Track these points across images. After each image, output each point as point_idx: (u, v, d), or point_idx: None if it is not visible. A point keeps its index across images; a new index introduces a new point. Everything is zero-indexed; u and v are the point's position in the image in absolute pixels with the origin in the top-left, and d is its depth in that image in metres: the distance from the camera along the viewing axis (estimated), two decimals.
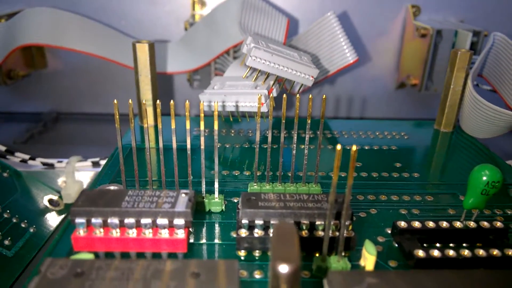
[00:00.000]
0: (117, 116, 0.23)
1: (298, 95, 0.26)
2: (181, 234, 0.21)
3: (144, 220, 0.21)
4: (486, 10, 0.48)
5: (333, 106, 0.52)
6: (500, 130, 0.36)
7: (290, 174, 0.28)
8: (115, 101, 0.23)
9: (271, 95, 0.31)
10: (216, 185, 0.26)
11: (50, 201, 0.34)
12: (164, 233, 0.21)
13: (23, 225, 0.30)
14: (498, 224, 0.24)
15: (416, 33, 0.45)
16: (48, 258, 0.18)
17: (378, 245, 0.24)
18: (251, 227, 0.22)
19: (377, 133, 0.39)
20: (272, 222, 0.22)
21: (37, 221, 0.31)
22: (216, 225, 0.25)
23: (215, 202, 0.26)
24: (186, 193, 0.22)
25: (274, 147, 0.35)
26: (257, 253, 0.23)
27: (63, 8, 0.44)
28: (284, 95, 0.26)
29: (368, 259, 0.21)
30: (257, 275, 0.21)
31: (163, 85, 0.50)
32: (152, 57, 0.36)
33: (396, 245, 0.24)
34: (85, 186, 0.36)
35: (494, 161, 0.35)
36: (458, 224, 0.23)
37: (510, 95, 0.39)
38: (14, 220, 0.30)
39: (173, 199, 0.22)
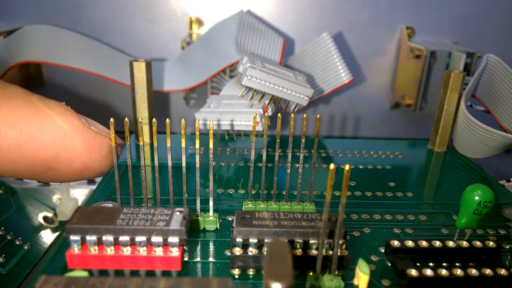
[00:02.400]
0: (113, 134, 0.24)
1: (293, 114, 0.27)
2: (175, 252, 0.21)
3: (139, 238, 0.21)
4: (480, 32, 0.49)
5: (327, 126, 0.52)
6: (493, 151, 0.36)
7: (284, 193, 0.28)
8: (112, 119, 0.24)
9: (266, 114, 0.31)
10: (211, 203, 0.26)
11: (45, 218, 0.34)
12: (159, 251, 0.21)
13: (17, 242, 0.30)
14: (491, 243, 0.24)
15: (410, 54, 0.46)
16: (42, 275, 0.18)
17: (372, 264, 0.24)
18: (245, 246, 0.22)
19: (372, 153, 0.39)
20: (266, 240, 0.22)
21: (31, 238, 0.31)
22: (211, 243, 0.25)
23: (210, 220, 0.26)
24: (180, 211, 0.22)
25: (269, 165, 0.35)
26: (251, 272, 0.23)
27: (62, 26, 0.45)
28: (279, 114, 0.26)
29: (362, 278, 0.21)
30: None
31: (159, 103, 0.50)
32: (149, 75, 0.36)
33: (390, 264, 0.24)
34: (80, 203, 0.36)
35: (487, 181, 0.35)
36: (451, 244, 0.24)
37: (503, 116, 0.39)
38: (9, 237, 0.30)
39: (167, 217, 0.22)
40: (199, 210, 0.26)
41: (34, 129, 0.20)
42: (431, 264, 0.24)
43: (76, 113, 0.22)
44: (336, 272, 0.22)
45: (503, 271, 0.22)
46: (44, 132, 0.20)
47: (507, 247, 0.26)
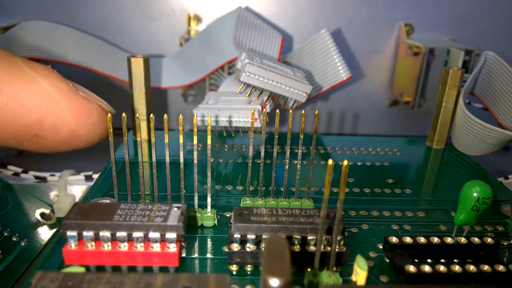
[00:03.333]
0: (111, 130, 0.23)
1: (291, 111, 0.26)
2: (173, 248, 0.21)
3: (136, 234, 0.21)
4: (478, 29, 0.49)
5: (326, 122, 0.52)
6: (491, 148, 0.36)
7: (282, 189, 0.28)
8: (109, 114, 0.24)
9: (265, 110, 0.31)
10: (209, 199, 0.26)
11: (42, 214, 0.33)
12: (156, 247, 0.21)
13: (14, 239, 0.30)
14: (489, 240, 0.24)
15: (409, 51, 0.46)
16: (39, 271, 0.18)
17: (370, 260, 0.24)
18: (243, 242, 0.22)
19: (370, 149, 0.39)
20: (264, 236, 0.22)
21: (28, 235, 0.31)
22: (208, 240, 0.25)
23: (208, 217, 0.26)
24: (178, 207, 0.22)
25: (267, 162, 0.35)
26: (249, 268, 0.23)
27: (60, 22, 0.45)
28: (278, 111, 0.26)
29: (360, 274, 0.21)
30: None
31: (157, 99, 0.50)
32: (146, 71, 0.36)
33: (388, 260, 0.24)
34: (77, 199, 0.36)
35: (485, 178, 0.35)
36: (449, 240, 0.24)
37: (501, 113, 0.39)
38: (6, 234, 0.30)
39: (165, 213, 0.22)
40: (197, 206, 0.26)
41: (17, 90, 0.19)
42: (429, 260, 0.24)
43: (62, 76, 0.21)
44: (334, 268, 0.22)
45: (501, 267, 0.22)
46: (27, 94, 0.19)
47: (505, 243, 0.26)
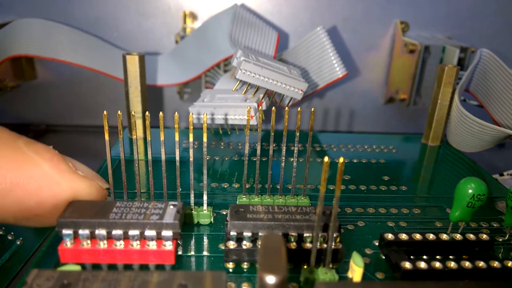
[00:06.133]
0: (107, 128, 0.23)
1: (287, 109, 0.26)
2: (169, 246, 0.21)
3: (132, 232, 0.21)
4: (473, 27, 0.49)
5: (322, 120, 0.52)
6: (486, 145, 0.36)
7: (279, 187, 0.28)
8: (105, 112, 0.24)
9: (261, 108, 0.31)
10: (205, 197, 0.26)
11: None
12: (152, 245, 0.21)
13: (9, 237, 0.30)
14: (484, 236, 0.24)
15: (404, 48, 0.46)
16: (34, 269, 0.18)
17: (366, 257, 0.24)
18: (239, 239, 0.22)
19: (366, 147, 0.39)
20: (260, 234, 0.22)
21: (24, 233, 0.31)
22: (205, 237, 0.25)
23: (204, 214, 0.26)
24: (174, 205, 0.22)
25: (263, 159, 0.35)
26: (245, 265, 0.23)
27: (55, 19, 0.44)
28: (273, 108, 0.26)
29: (356, 271, 0.21)
30: (245, 287, 0.21)
31: (153, 97, 0.50)
32: (142, 69, 0.36)
33: (383, 257, 0.24)
34: None
35: (480, 174, 0.35)
36: (444, 237, 0.24)
37: (496, 110, 0.39)
38: (1, 232, 0.30)
39: (161, 210, 0.22)
40: (193, 204, 0.26)
41: (20, 176, 0.19)
42: (425, 257, 0.24)
43: (63, 157, 0.21)
44: (331, 265, 0.22)
45: (496, 264, 0.22)
46: (30, 179, 0.19)
47: (500, 239, 0.26)
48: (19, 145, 0.20)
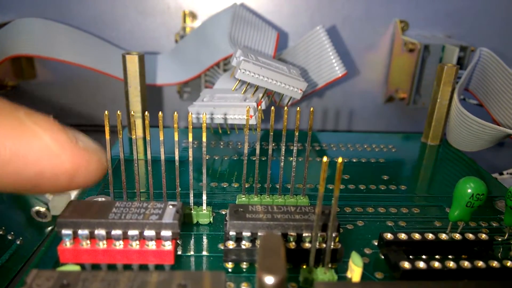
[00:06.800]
0: (107, 127, 0.23)
1: (286, 108, 0.26)
2: (168, 245, 0.21)
3: (131, 232, 0.21)
4: (473, 26, 0.49)
5: (321, 119, 0.52)
6: (486, 144, 0.36)
7: (278, 186, 0.28)
8: (106, 112, 0.24)
9: (260, 107, 0.31)
10: (204, 197, 0.26)
11: (37, 212, 0.33)
12: (151, 245, 0.21)
13: (9, 237, 0.30)
14: (483, 236, 0.24)
15: (404, 47, 0.46)
16: (34, 269, 0.18)
17: (365, 257, 0.24)
18: (238, 239, 0.22)
19: (365, 146, 0.39)
20: (259, 233, 0.22)
21: (24, 233, 0.31)
22: (204, 237, 0.25)
23: (203, 214, 0.26)
24: (173, 205, 0.22)
25: (263, 159, 0.35)
26: (244, 265, 0.23)
27: (54, 19, 0.44)
28: (273, 108, 0.26)
29: (355, 271, 0.21)
30: (244, 287, 0.21)
31: (153, 97, 0.50)
32: (141, 68, 0.36)
33: (383, 257, 0.24)
34: (72, 197, 0.36)
35: (480, 174, 0.35)
36: (443, 236, 0.24)
37: (496, 109, 0.39)
38: (1, 232, 0.30)
39: (160, 210, 0.22)
40: (192, 204, 0.26)
41: (19, 146, 0.19)
42: (424, 256, 0.24)
43: (63, 127, 0.21)
44: (330, 265, 0.22)
45: (495, 263, 0.22)
46: (30, 149, 0.19)
47: (499, 239, 0.26)
48: (19, 115, 0.20)
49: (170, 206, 0.22)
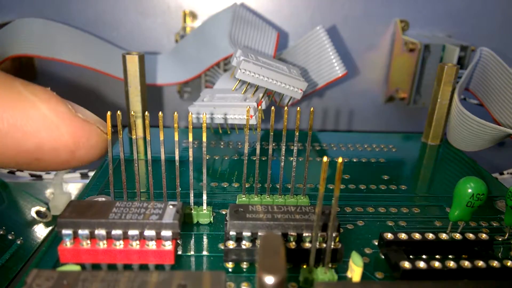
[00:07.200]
0: (109, 128, 0.23)
1: (286, 108, 0.26)
2: (168, 245, 0.21)
3: (132, 232, 0.21)
4: (473, 25, 0.49)
5: (321, 119, 0.52)
6: (486, 144, 0.36)
7: (278, 186, 0.28)
8: (109, 113, 0.24)
9: (260, 107, 0.31)
10: (205, 196, 0.26)
11: (38, 212, 0.33)
12: (152, 245, 0.21)
13: (10, 237, 0.30)
14: (484, 236, 0.24)
15: (404, 47, 0.46)
16: (34, 269, 0.18)
17: (365, 257, 0.24)
18: (238, 239, 0.22)
19: (365, 146, 0.39)
20: (259, 233, 0.22)
21: (24, 233, 0.31)
22: (204, 237, 0.25)
23: (203, 214, 0.26)
24: (173, 205, 0.22)
25: (263, 159, 0.35)
26: (244, 265, 0.23)
27: (55, 19, 0.44)
28: (273, 108, 0.26)
29: (355, 271, 0.21)
30: (245, 287, 0.21)
31: (153, 97, 0.50)
32: (142, 68, 0.36)
33: (383, 256, 0.24)
34: (73, 197, 0.36)
35: (480, 174, 0.35)
36: (444, 236, 0.24)
37: (496, 108, 0.39)
38: (1, 232, 0.30)
39: (160, 210, 0.22)
40: (192, 204, 0.26)
41: (17, 117, 0.19)
42: (424, 256, 0.24)
43: (62, 99, 0.21)
44: (330, 265, 0.22)
45: (495, 263, 0.22)
46: (28, 120, 0.19)
47: (500, 239, 0.26)
48: (15, 86, 0.19)
49: (170, 206, 0.22)
